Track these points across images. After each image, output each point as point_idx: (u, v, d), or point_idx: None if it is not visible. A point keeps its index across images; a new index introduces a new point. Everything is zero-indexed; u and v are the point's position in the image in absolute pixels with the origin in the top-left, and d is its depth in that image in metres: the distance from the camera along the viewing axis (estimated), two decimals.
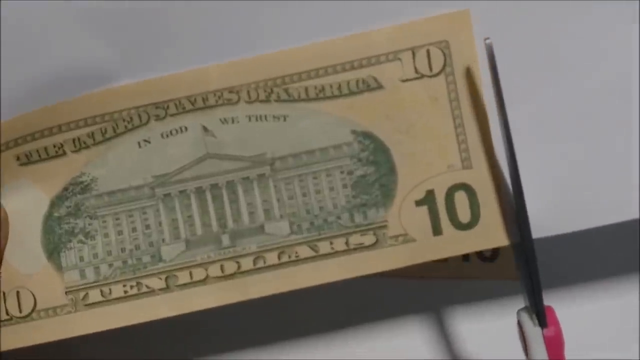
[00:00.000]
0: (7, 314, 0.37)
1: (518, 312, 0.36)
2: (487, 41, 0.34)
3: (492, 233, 0.36)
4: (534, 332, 0.35)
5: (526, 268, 0.35)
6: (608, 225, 0.36)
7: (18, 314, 0.37)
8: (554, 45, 0.36)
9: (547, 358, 0.35)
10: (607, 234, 0.37)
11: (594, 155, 0.36)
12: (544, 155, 0.36)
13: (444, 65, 0.36)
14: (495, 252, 0.42)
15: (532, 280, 0.35)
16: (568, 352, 0.35)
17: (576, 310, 0.38)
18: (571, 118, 0.36)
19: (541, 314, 0.35)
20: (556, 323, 0.35)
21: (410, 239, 0.37)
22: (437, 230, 0.37)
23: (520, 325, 0.36)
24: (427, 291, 0.44)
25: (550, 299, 0.36)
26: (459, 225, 0.36)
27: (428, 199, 0.36)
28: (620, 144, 0.36)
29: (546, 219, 0.36)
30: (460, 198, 0.36)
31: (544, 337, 0.35)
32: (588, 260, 0.44)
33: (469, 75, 0.36)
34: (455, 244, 0.37)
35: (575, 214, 0.37)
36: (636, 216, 0.36)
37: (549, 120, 0.36)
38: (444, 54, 0.36)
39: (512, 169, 0.35)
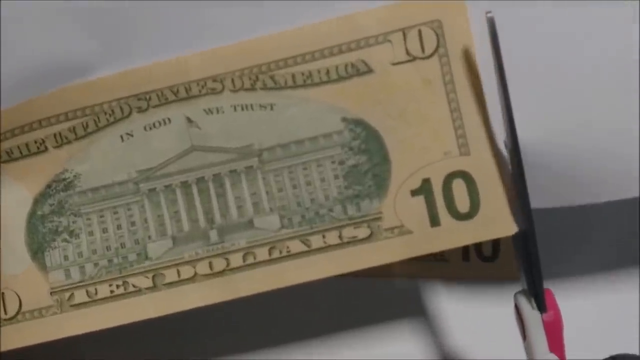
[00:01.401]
0: None
1: (515, 295, 0.34)
2: (489, 15, 0.32)
3: (493, 223, 0.34)
4: (533, 316, 0.33)
5: (525, 249, 0.33)
6: (608, 203, 0.34)
7: (3, 316, 0.36)
8: (553, 46, 0.34)
9: (546, 343, 0.33)
10: (607, 212, 0.35)
11: (594, 144, 0.34)
12: (543, 140, 0.35)
13: (437, 46, 0.34)
14: (496, 252, 0.40)
15: (530, 261, 0.33)
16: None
17: (574, 303, 0.36)
18: (571, 118, 0.35)
19: (540, 297, 0.33)
20: (555, 307, 0.33)
21: (406, 231, 0.35)
22: (434, 221, 0.35)
23: (517, 308, 0.34)
24: (428, 291, 0.43)
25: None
26: (458, 215, 0.34)
27: (424, 188, 0.35)
28: (620, 140, 0.34)
29: (545, 194, 0.34)
30: (459, 186, 0.34)
31: (543, 321, 0.33)
32: (586, 240, 0.42)
33: (465, 56, 0.34)
34: (454, 235, 0.35)
35: (575, 189, 0.35)
36: (636, 194, 0.34)
37: (548, 118, 0.35)
38: (437, 35, 0.34)
39: (514, 154, 0.33)
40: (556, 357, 0.33)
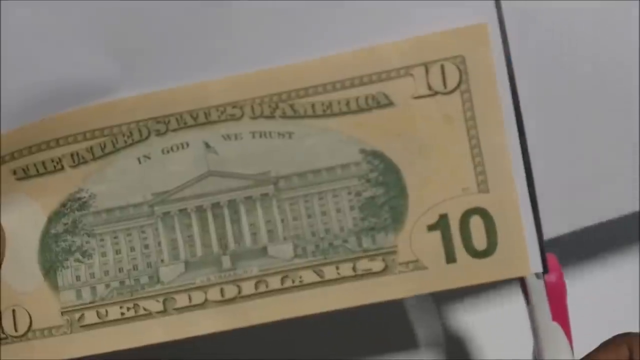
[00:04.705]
0: (3, 332, 0.36)
1: None
2: None
3: (509, 262, 0.34)
4: (535, 280, 0.33)
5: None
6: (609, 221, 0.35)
7: (14, 333, 0.36)
8: (554, 47, 0.34)
9: (547, 306, 0.33)
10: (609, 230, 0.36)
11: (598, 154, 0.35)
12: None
13: (460, 82, 0.34)
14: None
15: (534, 226, 0.33)
16: None
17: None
18: (571, 119, 0.35)
19: (543, 260, 0.33)
20: (558, 270, 0.33)
21: (421, 266, 0.34)
22: (450, 257, 0.34)
23: None
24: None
25: None
26: (475, 253, 0.34)
27: (441, 224, 0.34)
28: (621, 144, 0.35)
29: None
30: (476, 223, 0.34)
31: (546, 284, 0.33)
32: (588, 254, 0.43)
33: (487, 92, 0.34)
34: (470, 272, 0.34)
35: (578, 211, 0.35)
36: (636, 209, 0.35)
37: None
38: (460, 70, 0.34)
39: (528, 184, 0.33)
40: (558, 325, 0.32)
